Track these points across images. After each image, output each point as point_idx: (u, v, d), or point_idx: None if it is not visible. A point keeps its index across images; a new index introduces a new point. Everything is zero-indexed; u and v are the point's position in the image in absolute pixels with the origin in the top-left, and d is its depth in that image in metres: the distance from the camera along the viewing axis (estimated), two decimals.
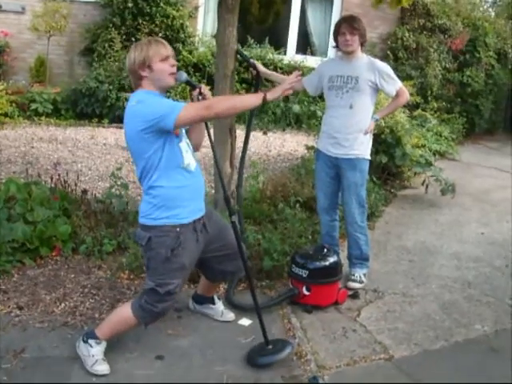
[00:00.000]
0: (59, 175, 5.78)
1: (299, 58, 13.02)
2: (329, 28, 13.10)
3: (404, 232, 6.41)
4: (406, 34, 12.87)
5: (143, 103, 3.14)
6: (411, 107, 10.37)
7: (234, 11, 5.16)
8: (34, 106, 10.69)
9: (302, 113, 11.40)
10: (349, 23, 4.65)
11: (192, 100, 3.43)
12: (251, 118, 5.22)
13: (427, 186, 7.77)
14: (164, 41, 3.38)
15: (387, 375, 3.57)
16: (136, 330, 3.61)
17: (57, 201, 5.22)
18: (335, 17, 13.14)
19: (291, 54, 13.34)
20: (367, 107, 4.73)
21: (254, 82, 5.16)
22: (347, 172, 4.74)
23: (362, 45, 4.72)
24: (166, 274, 3.28)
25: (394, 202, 7.57)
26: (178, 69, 3.42)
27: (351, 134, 4.68)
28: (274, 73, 5.38)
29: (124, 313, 3.41)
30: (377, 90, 4.76)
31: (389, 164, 7.71)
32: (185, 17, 12.37)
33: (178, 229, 3.26)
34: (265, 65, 12.24)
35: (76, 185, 5.80)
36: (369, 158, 4.82)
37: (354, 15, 4.86)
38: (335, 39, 4.79)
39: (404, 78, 11.06)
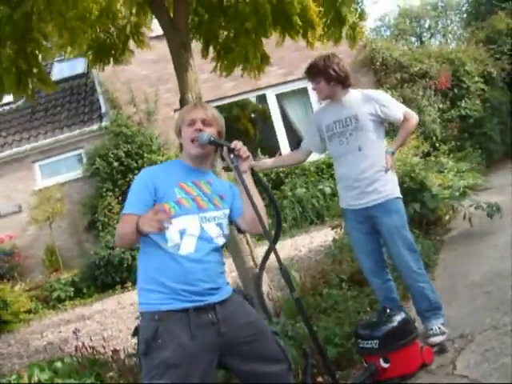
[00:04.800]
0: (83, 343, 5.27)
1: None
2: None
3: (467, 270, 5.77)
4: (389, 93, 12.66)
5: None
6: (423, 157, 9.96)
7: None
8: (55, 294, 10.46)
9: (305, 197, 11.06)
10: (307, 73, 4.30)
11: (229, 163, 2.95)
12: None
13: (470, 219, 7.16)
14: (205, 103, 3.15)
15: None
16: None
17: (86, 369, 4.68)
18: (315, 104, 13.01)
19: None
20: (377, 144, 4.23)
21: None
22: (383, 219, 4.17)
23: (340, 83, 4.25)
24: (148, 373, 2.65)
25: (444, 248, 6.99)
26: None
27: (372, 177, 4.16)
28: (266, 161, 4.90)
29: None
30: (381, 122, 4.27)
31: (423, 211, 7.14)
32: (171, 158, 12.28)
33: (156, 316, 2.67)
34: (266, 175, 12.22)
35: (104, 347, 5.26)
36: (400, 196, 4.27)
37: (312, 61, 4.33)
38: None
39: None
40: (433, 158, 10.43)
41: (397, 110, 4.26)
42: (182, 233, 2.74)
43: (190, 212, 2.78)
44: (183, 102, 4.96)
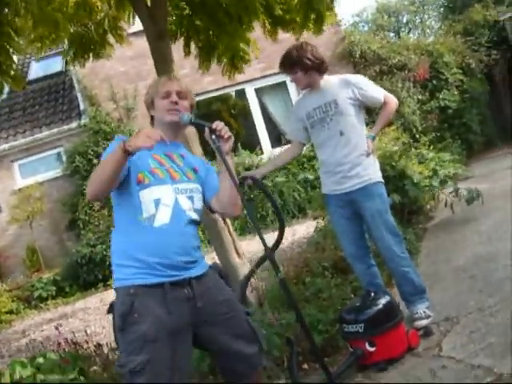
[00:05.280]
0: (66, 339, 5.20)
1: (277, 151, 12.71)
2: None
3: (450, 255, 5.77)
4: None
5: None
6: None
7: None
8: (36, 293, 10.32)
9: (287, 190, 11.02)
10: (282, 66, 4.25)
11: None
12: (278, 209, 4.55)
13: (452, 205, 7.16)
14: (177, 77, 3.12)
15: None
16: None
17: (69, 364, 4.61)
18: (294, 97, 12.98)
19: (268, 151, 13.08)
20: (358, 129, 4.20)
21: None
22: (366, 203, 4.14)
23: (317, 70, 4.22)
24: (126, 349, 2.60)
25: (427, 236, 7.00)
26: None
27: (353, 161, 4.13)
28: (269, 166, 4.84)
29: None
30: (360, 106, 4.23)
31: (404, 200, 7.11)
32: None
33: (131, 291, 2.59)
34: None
35: (87, 342, 5.18)
36: (382, 180, 4.25)
37: (286, 52, 4.27)
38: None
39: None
40: (413, 150, 10.43)
41: (376, 92, 4.24)
42: (157, 202, 2.68)
43: (164, 182, 2.73)
44: None
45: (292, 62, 4.18)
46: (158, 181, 2.71)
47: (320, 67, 4.22)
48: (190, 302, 2.66)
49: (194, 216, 2.79)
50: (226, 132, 2.80)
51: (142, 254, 2.63)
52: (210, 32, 5.95)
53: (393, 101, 4.30)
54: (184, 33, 6.05)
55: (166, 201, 2.70)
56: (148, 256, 2.62)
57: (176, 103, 2.88)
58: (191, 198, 2.79)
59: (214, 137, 2.79)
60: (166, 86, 2.91)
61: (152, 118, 2.97)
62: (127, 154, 2.51)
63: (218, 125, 2.80)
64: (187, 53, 6.13)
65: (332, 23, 6.44)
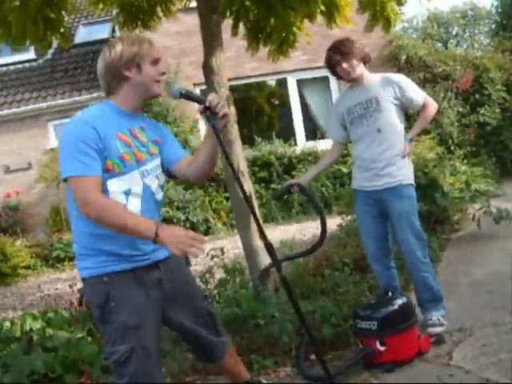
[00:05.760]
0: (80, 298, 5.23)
1: (310, 144, 12.72)
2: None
3: (471, 268, 5.71)
4: None
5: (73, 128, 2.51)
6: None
7: (220, 72, 4.90)
8: (55, 253, 10.42)
9: (314, 185, 11.00)
10: (337, 50, 4.16)
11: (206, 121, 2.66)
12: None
13: (479, 221, 7.06)
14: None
15: None
16: None
17: (78, 323, 4.67)
18: (335, 94, 12.91)
19: (302, 143, 13.07)
20: (397, 128, 4.16)
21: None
22: (394, 203, 4.10)
23: (365, 63, 4.23)
24: (109, 339, 2.53)
25: (450, 246, 6.93)
26: None
27: (387, 159, 4.10)
28: (309, 172, 4.80)
29: None
30: (401, 106, 4.19)
31: (432, 210, 7.05)
32: (186, 132, 12.21)
33: (104, 279, 2.51)
34: (278, 159, 12.16)
35: None
36: (414, 183, 4.21)
37: (341, 39, 4.28)
38: (333, 73, 4.31)
39: (421, 133, 10.65)
40: (447, 161, 10.32)
41: (417, 94, 4.20)
42: (127, 193, 2.56)
43: (132, 168, 2.58)
44: (206, 65, 4.93)
45: (348, 49, 4.13)
46: (127, 168, 2.55)
47: (368, 60, 4.25)
48: (159, 284, 2.64)
49: (160, 197, 2.73)
50: (220, 108, 2.60)
51: (111, 246, 2.53)
52: (260, 14, 5.90)
53: (432, 105, 4.25)
54: (234, 12, 6.02)
55: (135, 190, 2.58)
56: (118, 249, 2.54)
57: (164, 74, 2.70)
58: (157, 176, 2.70)
59: (208, 113, 2.59)
60: (154, 52, 2.65)
61: (124, 79, 2.62)
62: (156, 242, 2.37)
63: (212, 101, 2.59)
64: (235, 33, 6.10)
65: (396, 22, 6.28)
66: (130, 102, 2.64)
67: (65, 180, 2.49)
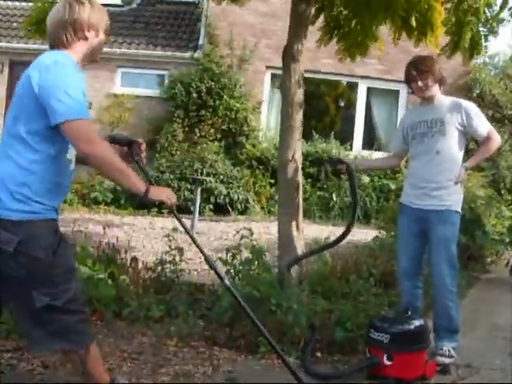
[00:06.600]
0: (108, 241, 5.36)
1: (366, 153, 12.59)
2: (395, 122, 12.61)
3: (493, 311, 5.67)
4: None
5: (62, 71, 2.48)
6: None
7: (299, 60, 4.86)
8: (93, 194, 10.60)
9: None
10: (416, 67, 4.17)
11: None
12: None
13: None
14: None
15: None
16: None
17: (102, 263, 4.77)
18: (401, 110, 12.82)
19: (357, 149, 13.04)
20: (455, 153, 4.14)
21: None
22: (437, 226, 4.09)
23: (440, 85, 4.22)
24: (55, 280, 2.53)
25: (478, 285, 6.84)
26: None
27: (440, 182, 4.09)
28: (366, 162, 4.82)
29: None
30: (465, 134, 4.18)
31: (469, 244, 7.00)
32: (248, 110, 12.28)
33: (53, 223, 2.58)
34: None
35: (126, 252, 5.35)
36: (460, 211, 4.19)
37: (423, 55, 4.33)
38: (409, 86, 4.32)
39: (475, 169, 10.52)
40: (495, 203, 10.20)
41: (483, 124, 4.16)
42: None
43: None
44: (288, 51, 4.93)
45: (428, 67, 4.14)
46: None
47: (443, 83, 4.26)
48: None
49: None
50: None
51: (55, 197, 2.61)
52: (345, 13, 5.84)
53: (496, 139, 4.22)
54: (318, 3, 5.96)
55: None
56: (54, 200, 2.61)
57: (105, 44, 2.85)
58: None
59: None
60: (108, 24, 2.77)
61: (83, 38, 2.66)
62: (145, 197, 2.56)
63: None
64: (313, 22, 6.04)
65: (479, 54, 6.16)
66: (81, 61, 2.70)
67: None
